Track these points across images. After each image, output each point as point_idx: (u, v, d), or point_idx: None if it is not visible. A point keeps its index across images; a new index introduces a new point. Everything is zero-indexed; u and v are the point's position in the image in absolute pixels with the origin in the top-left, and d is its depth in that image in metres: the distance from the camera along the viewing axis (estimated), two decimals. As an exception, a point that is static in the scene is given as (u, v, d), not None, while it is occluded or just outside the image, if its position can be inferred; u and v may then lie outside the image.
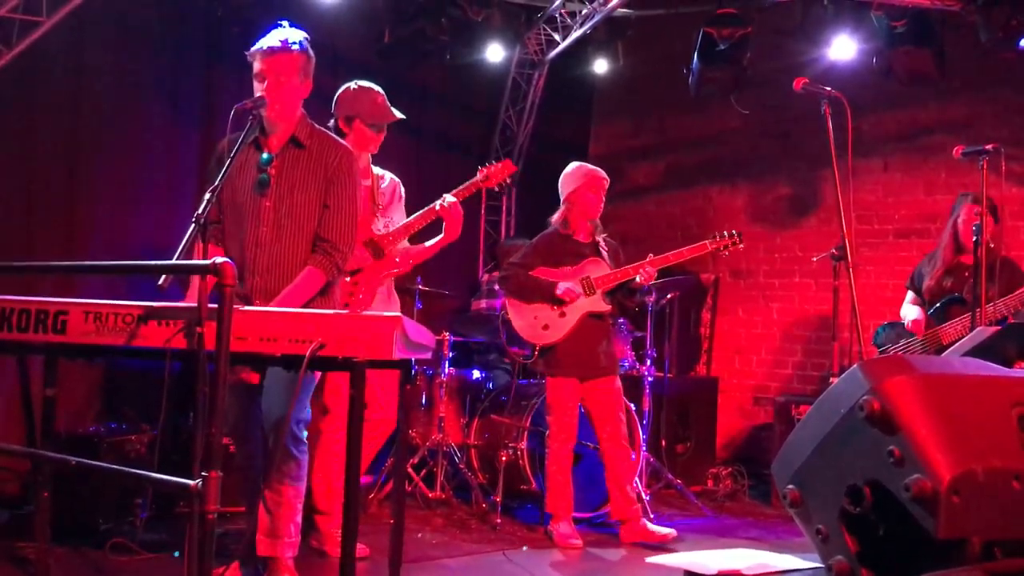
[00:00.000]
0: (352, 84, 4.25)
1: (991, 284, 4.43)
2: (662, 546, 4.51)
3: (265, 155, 3.38)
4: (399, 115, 4.25)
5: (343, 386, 3.83)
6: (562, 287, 4.64)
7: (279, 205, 3.39)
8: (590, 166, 4.84)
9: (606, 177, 4.80)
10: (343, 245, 3.45)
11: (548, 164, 7.65)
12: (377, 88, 4.25)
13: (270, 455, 3.46)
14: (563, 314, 4.68)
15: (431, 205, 4.24)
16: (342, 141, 3.60)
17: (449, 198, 4.21)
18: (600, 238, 4.82)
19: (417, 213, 4.28)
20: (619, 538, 4.69)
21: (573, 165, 4.87)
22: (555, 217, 4.84)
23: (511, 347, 5.64)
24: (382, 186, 4.37)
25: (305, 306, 3.36)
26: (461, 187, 4.34)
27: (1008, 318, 4.47)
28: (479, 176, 4.39)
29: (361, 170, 4.28)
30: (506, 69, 7.38)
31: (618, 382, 4.78)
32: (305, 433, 3.53)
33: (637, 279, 4.65)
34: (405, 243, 4.38)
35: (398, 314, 2.57)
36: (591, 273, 4.72)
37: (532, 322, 4.74)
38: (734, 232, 4.73)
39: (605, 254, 4.77)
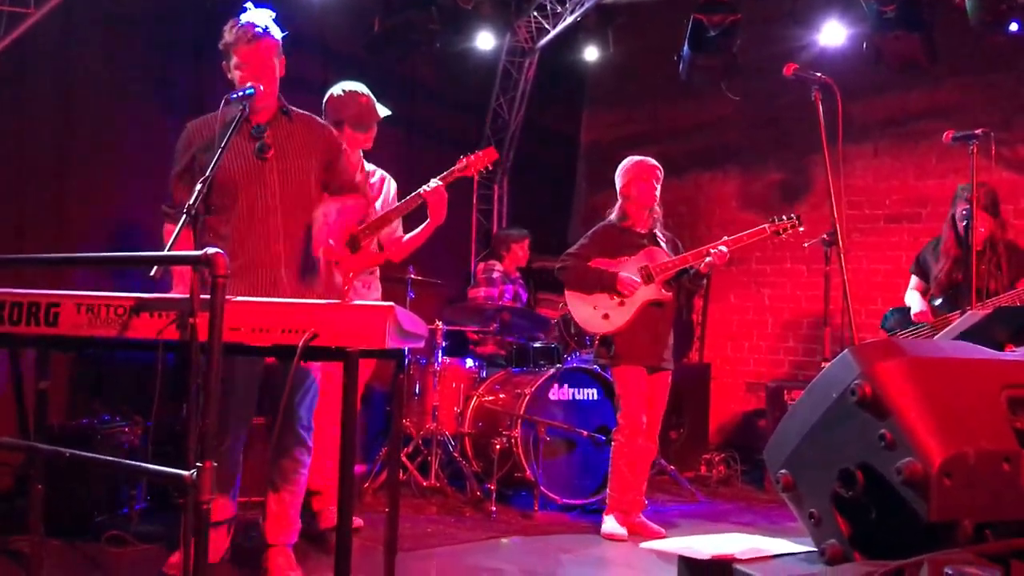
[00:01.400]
0: (337, 89, 4.34)
1: (1001, 273, 4.45)
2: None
3: (256, 126, 3.42)
4: (384, 112, 4.35)
5: (332, 366, 3.87)
6: (621, 277, 4.63)
7: (282, 170, 3.43)
8: (641, 157, 4.82)
9: (658, 166, 4.79)
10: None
11: (539, 153, 7.70)
12: (361, 89, 4.34)
13: (281, 443, 3.47)
14: (622, 303, 4.66)
15: (414, 192, 4.25)
16: (318, 118, 3.70)
17: (434, 182, 4.22)
18: (658, 229, 4.81)
19: (399, 203, 4.30)
20: None
21: (626, 160, 4.84)
22: (613, 213, 4.83)
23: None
24: (371, 180, 4.39)
25: (315, 279, 3.45)
26: (441, 176, 4.33)
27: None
28: (459, 164, 4.39)
29: None
30: (496, 58, 7.37)
31: (670, 377, 4.77)
32: (312, 424, 3.57)
33: (707, 260, 4.57)
34: (398, 231, 4.40)
35: (391, 304, 2.57)
36: (650, 262, 4.70)
37: (592, 312, 4.71)
38: (793, 216, 4.63)
39: (664, 244, 4.77)
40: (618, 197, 4.81)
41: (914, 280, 5.15)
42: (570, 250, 4.85)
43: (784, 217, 4.65)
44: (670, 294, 4.72)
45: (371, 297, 4.40)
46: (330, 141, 3.58)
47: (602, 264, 4.71)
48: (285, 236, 3.42)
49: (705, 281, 4.73)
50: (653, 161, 4.80)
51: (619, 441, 4.63)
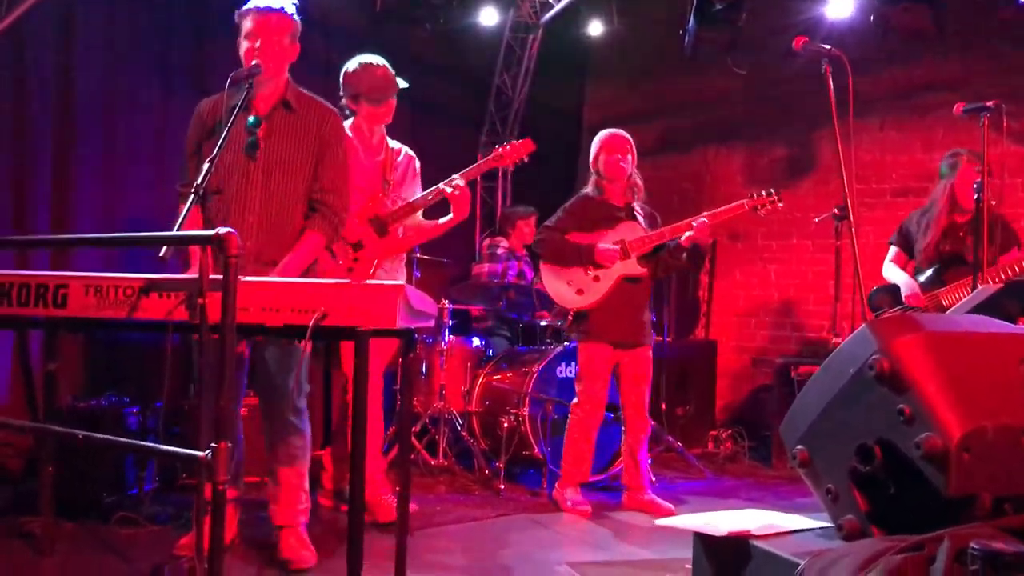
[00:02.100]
0: (352, 63, 4.23)
1: (991, 244, 4.40)
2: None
3: (252, 118, 3.35)
4: (402, 84, 4.24)
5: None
6: (600, 248, 4.60)
7: (269, 167, 3.39)
8: (612, 131, 4.76)
9: (625, 137, 4.72)
10: (339, 206, 3.48)
11: (543, 128, 7.63)
12: (377, 61, 4.22)
13: (273, 427, 3.48)
14: (597, 278, 4.63)
15: (438, 186, 4.19)
16: (329, 105, 3.60)
17: (457, 180, 4.15)
18: (637, 204, 4.76)
19: (423, 193, 4.24)
20: (621, 503, 4.72)
21: (599, 133, 4.80)
22: (589, 186, 4.79)
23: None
24: (397, 159, 4.33)
25: (306, 271, 3.36)
26: (473, 166, 4.28)
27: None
28: (493, 155, 4.33)
29: (375, 145, 4.26)
30: (500, 33, 7.32)
31: (650, 352, 4.74)
32: (305, 403, 3.54)
33: (687, 235, 4.50)
34: (418, 218, 4.33)
35: (401, 282, 2.56)
36: (627, 236, 4.66)
37: (566, 288, 4.69)
38: (772, 191, 4.59)
39: (641, 218, 4.72)
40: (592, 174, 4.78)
41: (893, 251, 5.09)
42: (547, 223, 4.81)
43: (763, 192, 4.59)
44: (645, 270, 4.68)
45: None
46: (324, 137, 3.48)
47: (578, 238, 4.68)
48: (257, 233, 3.38)
49: (685, 256, 4.66)
50: (623, 134, 4.74)
51: (577, 415, 4.67)
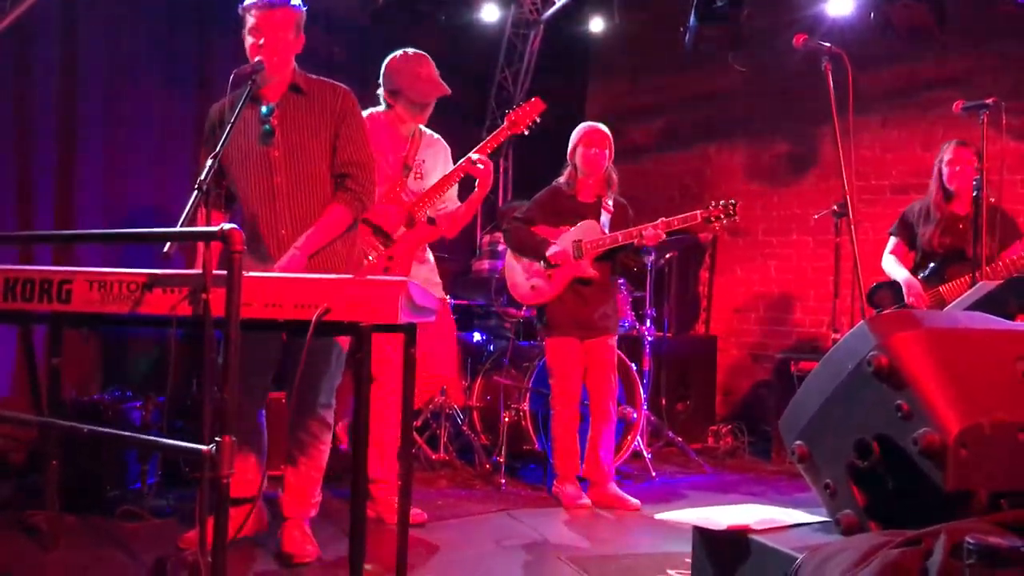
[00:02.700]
0: (399, 55, 4.14)
1: (991, 238, 4.41)
2: (663, 505, 4.57)
3: (265, 107, 3.36)
4: (446, 90, 4.14)
5: (390, 354, 3.86)
6: (552, 249, 4.61)
7: (289, 152, 3.39)
8: (591, 124, 4.75)
9: (604, 131, 4.70)
10: (365, 180, 3.45)
11: (545, 125, 7.63)
12: (424, 59, 4.13)
13: (301, 417, 3.48)
14: (551, 276, 4.65)
15: (458, 164, 4.16)
16: (339, 84, 3.55)
17: (474, 156, 4.13)
18: (609, 199, 4.76)
19: (443, 175, 4.17)
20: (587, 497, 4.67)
21: (579, 126, 4.81)
22: (563, 176, 4.79)
23: (508, 308, 5.66)
24: (421, 145, 4.22)
25: (328, 247, 3.36)
26: (489, 137, 4.23)
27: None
28: (506, 123, 4.29)
29: (400, 138, 4.17)
30: (501, 29, 7.33)
31: (612, 341, 4.74)
32: (334, 399, 3.56)
33: (646, 234, 4.50)
34: (448, 207, 4.25)
35: (404, 278, 2.57)
36: (585, 236, 4.65)
37: (523, 281, 4.74)
38: (730, 201, 4.53)
39: (606, 216, 4.72)
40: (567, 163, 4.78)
41: (893, 242, 5.07)
42: (517, 213, 4.83)
43: (720, 203, 4.53)
44: (597, 273, 4.65)
45: (424, 271, 4.25)
46: (340, 111, 3.43)
47: (544, 232, 4.70)
48: (291, 220, 3.39)
49: (643, 258, 4.73)
50: (602, 128, 4.72)
51: (556, 410, 4.69)
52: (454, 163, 4.26)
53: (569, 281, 4.64)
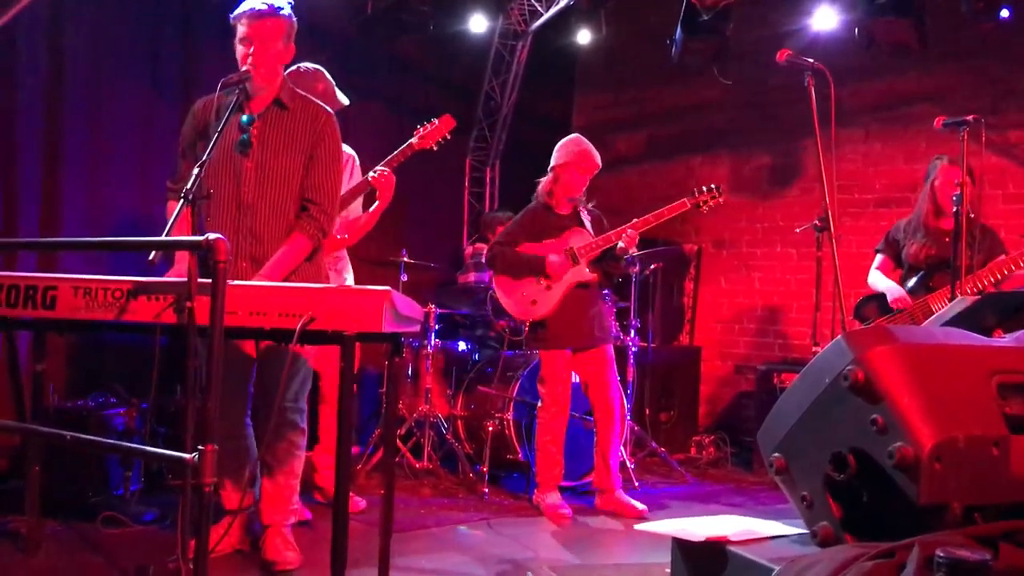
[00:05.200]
0: (302, 67, 4.21)
1: (974, 252, 4.45)
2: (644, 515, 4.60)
3: (245, 116, 3.34)
4: (344, 101, 4.29)
5: (331, 352, 3.87)
6: (550, 260, 4.66)
7: (262, 166, 3.38)
8: (587, 146, 4.77)
9: (598, 162, 4.77)
10: (328, 207, 3.45)
11: (531, 135, 7.69)
12: (322, 73, 4.26)
13: (273, 426, 3.47)
14: (549, 287, 4.70)
15: (364, 177, 4.27)
16: (324, 105, 3.57)
17: (380, 168, 4.23)
18: (583, 208, 4.82)
19: (350, 186, 4.27)
20: (595, 505, 4.75)
21: (571, 137, 4.86)
22: (541, 185, 4.83)
23: (498, 320, 5.67)
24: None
25: (292, 273, 3.37)
26: (396, 152, 4.31)
27: (988, 288, 4.48)
28: (415, 136, 4.36)
29: None
30: (489, 40, 7.36)
31: (610, 350, 4.80)
32: (305, 403, 3.56)
33: (620, 245, 4.61)
34: (351, 215, 4.34)
35: (387, 288, 2.59)
36: (574, 243, 4.72)
37: (521, 298, 4.75)
38: (713, 186, 4.66)
39: (588, 223, 4.78)
40: (549, 170, 4.82)
41: (879, 259, 5.11)
42: (498, 238, 4.88)
43: (704, 188, 4.66)
44: (595, 275, 4.76)
45: (343, 279, 4.38)
46: (318, 133, 3.43)
47: (528, 249, 4.75)
48: (258, 235, 3.38)
49: (624, 264, 4.79)
50: (595, 155, 4.76)
51: (543, 418, 4.72)
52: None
53: (569, 288, 4.69)
